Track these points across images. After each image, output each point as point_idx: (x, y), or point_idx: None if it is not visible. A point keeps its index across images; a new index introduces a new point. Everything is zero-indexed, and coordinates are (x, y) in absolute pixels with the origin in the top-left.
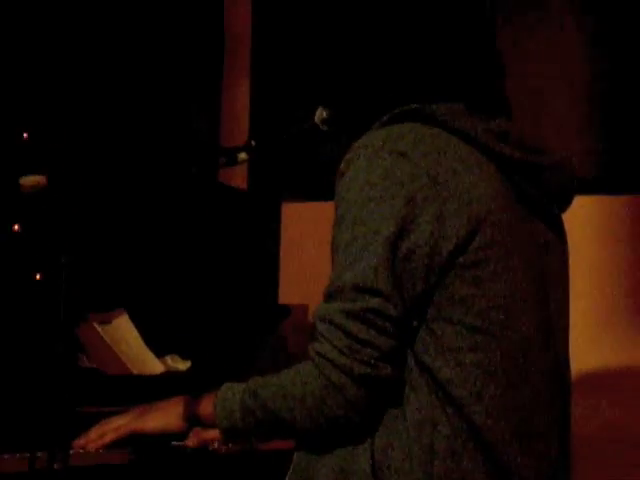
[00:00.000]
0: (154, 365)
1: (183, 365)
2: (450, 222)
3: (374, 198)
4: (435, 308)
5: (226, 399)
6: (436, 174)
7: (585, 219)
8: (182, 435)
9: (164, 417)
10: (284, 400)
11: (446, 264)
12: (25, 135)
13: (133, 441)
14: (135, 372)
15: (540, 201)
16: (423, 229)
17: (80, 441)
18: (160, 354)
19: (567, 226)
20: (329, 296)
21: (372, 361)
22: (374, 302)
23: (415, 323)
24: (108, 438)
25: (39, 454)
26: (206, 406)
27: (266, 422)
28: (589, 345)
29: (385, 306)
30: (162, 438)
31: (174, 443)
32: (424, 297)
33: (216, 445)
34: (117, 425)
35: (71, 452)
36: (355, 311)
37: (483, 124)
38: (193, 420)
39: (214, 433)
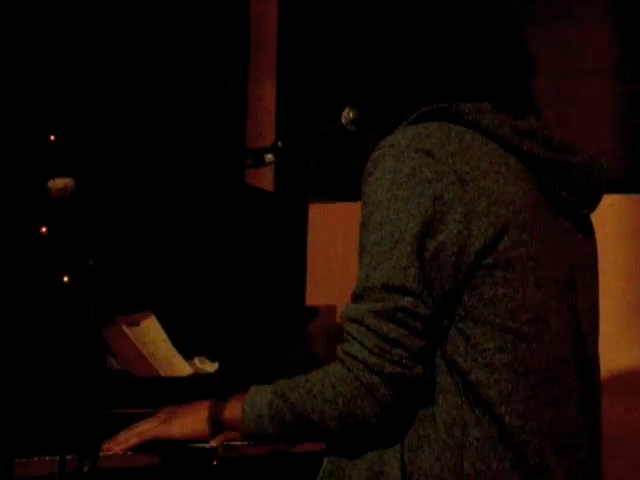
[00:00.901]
0: (182, 367)
1: (211, 367)
2: (478, 221)
3: (401, 197)
4: (464, 309)
5: (254, 403)
6: (463, 173)
7: (614, 218)
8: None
9: (190, 422)
10: (314, 402)
11: (474, 263)
12: (52, 138)
13: (158, 445)
14: (163, 374)
15: (569, 201)
16: (451, 228)
17: (106, 445)
18: (188, 356)
19: (596, 225)
20: (358, 297)
21: (403, 361)
22: (404, 301)
23: (445, 323)
24: (131, 442)
25: (68, 457)
26: (232, 410)
27: (295, 425)
28: (619, 345)
29: (416, 305)
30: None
31: (195, 445)
32: (452, 296)
33: (239, 442)
34: (141, 430)
35: (100, 455)
36: (385, 311)
37: (510, 122)
38: (219, 425)
39: (236, 433)
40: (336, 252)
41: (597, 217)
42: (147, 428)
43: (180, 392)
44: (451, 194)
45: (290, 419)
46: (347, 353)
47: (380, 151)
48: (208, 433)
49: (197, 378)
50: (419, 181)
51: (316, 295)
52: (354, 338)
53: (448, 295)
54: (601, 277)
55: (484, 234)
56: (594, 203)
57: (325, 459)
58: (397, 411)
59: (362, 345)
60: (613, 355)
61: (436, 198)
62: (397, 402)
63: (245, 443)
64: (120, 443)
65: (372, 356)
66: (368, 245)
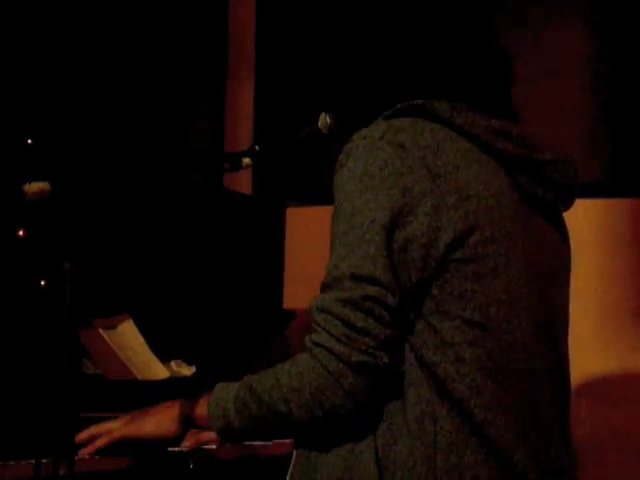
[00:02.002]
0: (159, 370)
1: (188, 370)
2: (448, 215)
3: (371, 188)
4: (434, 302)
5: (220, 397)
6: (435, 167)
7: (588, 222)
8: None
9: (158, 421)
10: (280, 391)
11: (443, 257)
12: (29, 141)
13: (130, 447)
14: (140, 377)
15: (543, 198)
16: (420, 220)
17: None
18: (165, 359)
19: (570, 229)
20: (326, 286)
21: (370, 350)
22: (372, 290)
23: (412, 316)
24: (100, 443)
25: (44, 460)
26: (201, 407)
27: (262, 417)
28: (591, 347)
29: (383, 294)
30: (159, 443)
31: (170, 449)
32: (421, 289)
33: (214, 446)
34: (108, 429)
35: (76, 458)
36: (353, 299)
37: (484, 121)
38: (188, 423)
39: (210, 435)
40: (314, 255)
41: (572, 221)
42: (113, 428)
43: (157, 395)
44: (421, 186)
45: (257, 411)
46: (315, 342)
47: (353, 143)
48: (179, 431)
49: (174, 381)
50: (390, 173)
51: (294, 298)
52: (322, 327)
53: (416, 287)
54: (575, 280)
55: (454, 228)
56: (569, 200)
57: (294, 452)
58: (364, 401)
59: (329, 334)
60: (585, 357)
61: (406, 190)
62: (364, 392)
63: (214, 447)
64: (83, 439)
65: (339, 344)
66: (338, 234)
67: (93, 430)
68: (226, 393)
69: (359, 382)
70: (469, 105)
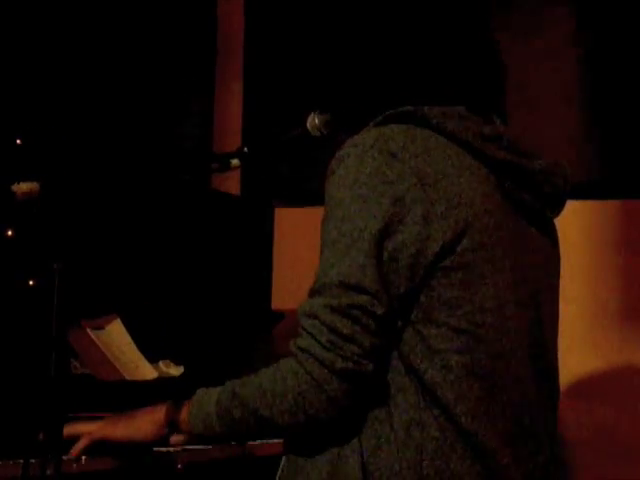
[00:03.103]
0: (147, 370)
1: (176, 370)
2: (437, 224)
3: (362, 196)
4: (421, 310)
5: (202, 403)
6: (425, 175)
7: (577, 224)
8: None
9: (138, 424)
10: (263, 397)
11: (431, 265)
12: (18, 141)
13: (118, 448)
14: (128, 377)
15: (532, 205)
16: (410, 229)
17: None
18: (153, 359)
19: (559, 231)
20: (315, 292)
21: (355, 357)
22: (360, 299)
23: (400, 323)
24: (81, 444)
25: (32, 460)
26: (183, 412)
27: (244, 421)
28: (580, 350)
29: (371, 303)
30: (140, 446)
31: (158, 449)
32: (409, 297)
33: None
34: (89, 430)
35: (63, 459)
36: (340, 307)
37: (475, 127)
38: (172, 427)
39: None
40: (302, 256)
41: (561, 223)
42: (93, 429)
43: (145, 396)
44: (412, 195)
45: (239, 415)
46: (299, 348)
47: (344, 150)
48: (160, 435)
49: (162, 382)
50: (381, 181)
51: (282, 299)
52: (308, 332)
53: (405, 296)
54: (564, 282)
55: (442, 237)
56: (558, 208)
57: (284, 458)
58: (347, 408)
59: (315, 339)
60: (574, 359)
61: (397, 199)
62: (347, 398)
63: (201, 447)
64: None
65: (324, 351)
66: (328, 242)
67: (69, 430)
68: (207, 398)
69: (342, 389)
70: (461, 109)
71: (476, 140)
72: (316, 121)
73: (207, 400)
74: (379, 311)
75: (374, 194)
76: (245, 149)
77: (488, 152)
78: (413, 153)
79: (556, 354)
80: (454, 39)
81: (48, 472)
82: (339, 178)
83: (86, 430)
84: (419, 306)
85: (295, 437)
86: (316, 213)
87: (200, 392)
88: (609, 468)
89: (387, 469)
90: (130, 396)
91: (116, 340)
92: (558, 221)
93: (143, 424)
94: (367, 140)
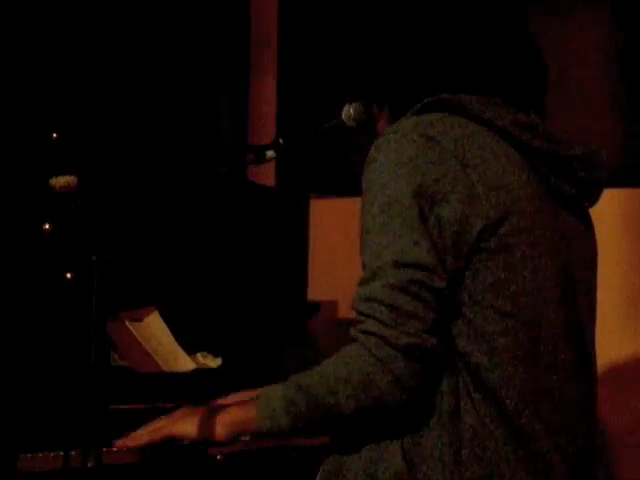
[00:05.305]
0: (185, 362)
1: (214, 362)
2: (479, 203)
3: (404, 176)
4: (467, 292)
5: (268, 399)
6: (465, 158)
7: (613, 211)
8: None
9: (209, 423)
10: (328, 383)
11: (475, 244)
12: (55, 135)
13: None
14: (166, 369)
15: (569, 194)
16: (453, 207)
17: (120, 441)
18: (191, 351)
19: (595, 218)
20: (369, 278)
21: (418, 332)
22: (419, 275)
23: (454, 300)
24: (144, 440)
25: (72, 452)
26: (247, 411)
27: (310, 413)
28: (617, 337)
29: (431, 278)
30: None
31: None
32: (456, 279)
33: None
34: (154, 427)
35: (104, 450)
36: (399, 284)
37: (511, 116)
38: (242, 429)
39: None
40: (338, 247)
41: (596, 211)
42: (161, 426)
43: (183, 387)
44: (453, 175)
45: (305, 407)
46: (361, 330)
47: (384, 137)
48: (228, 437)
49: (200, 373)
50: (422, 162)
51: (318, 290)
52: (368, 315)
53: (452, 276)
54: (600, 269)
55: (486, 215)
56: (595, 196)
57: (328, 446)
58: (412, 388)
59: (376, 319)
60: (611, 346)
61: (439, 178)
62: (413, 379)
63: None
64: (135, 438)
65: (387, 329)
66: (375, 226)
67: (146, 428)
68: (272, 394)
69: (409, 367)
70: (497, 99)
71: (512, 127)
72: (351, 112)
73: (272, 396)
74: (438, 285)
75: (416, 174)
76: (280, 141)
77: (523, 139)
78: (452, 137)
79: (594, 341)
80: (493, 31)
81: (89, 464)
82: (380, 165)
83: (150, 429)
84: (465, 288)
85: (354, 423)
86: (351, 204)
87: (264, 390)
88: None
89: (428, 456)
90: (168, 388)
91: (154, 332)
92: (594, 209)
93: (214, 424)
94: (406, 126)
